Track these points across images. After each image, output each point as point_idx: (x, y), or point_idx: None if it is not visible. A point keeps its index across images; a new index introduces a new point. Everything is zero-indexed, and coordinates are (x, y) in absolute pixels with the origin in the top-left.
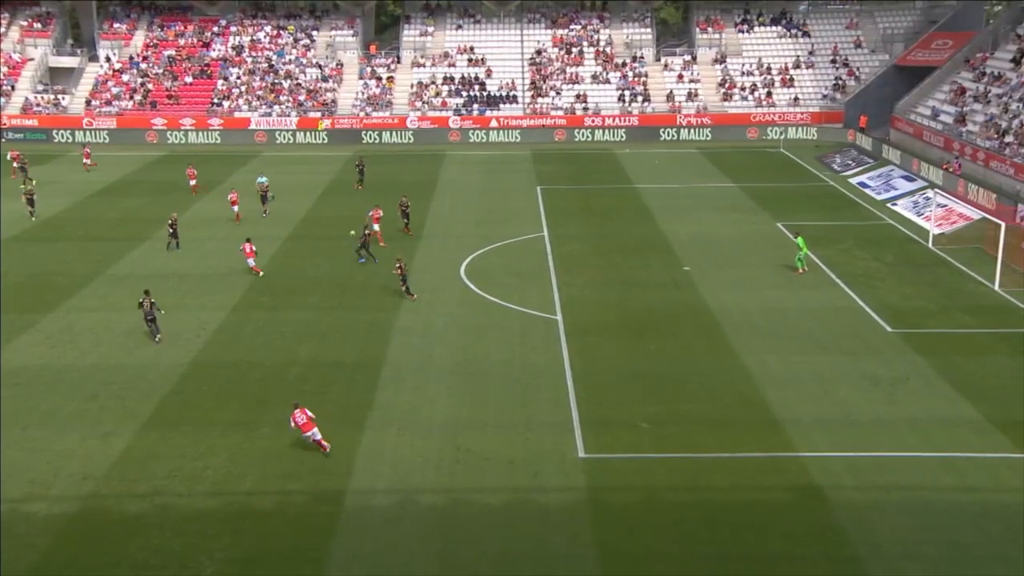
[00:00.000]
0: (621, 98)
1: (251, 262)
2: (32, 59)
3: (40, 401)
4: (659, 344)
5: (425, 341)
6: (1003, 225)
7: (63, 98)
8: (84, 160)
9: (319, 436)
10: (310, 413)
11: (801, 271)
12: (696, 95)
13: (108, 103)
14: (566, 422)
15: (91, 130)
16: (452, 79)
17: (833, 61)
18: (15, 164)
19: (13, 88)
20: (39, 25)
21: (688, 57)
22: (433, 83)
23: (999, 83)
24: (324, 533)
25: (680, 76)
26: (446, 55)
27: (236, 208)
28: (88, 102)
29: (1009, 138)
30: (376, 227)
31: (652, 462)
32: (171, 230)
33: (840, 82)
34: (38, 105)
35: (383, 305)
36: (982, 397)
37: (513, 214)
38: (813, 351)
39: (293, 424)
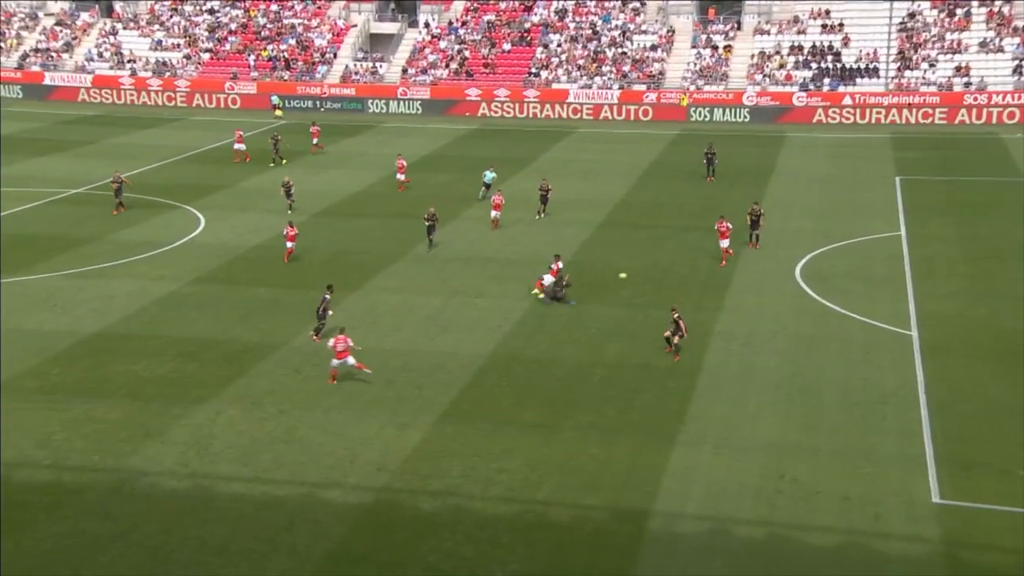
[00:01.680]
0: (1018, 70)
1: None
2: (355, 25)
3: (341, 384)
4: None
5: (749, 349)
6: None
7: (381, 66)
8: (313, 140)
9: (354, 361)
10: (351, 342)
11: None
12: None
13: (423, 71)
14: (917, 458)
15: (405, 100)
16: (801, 48)
17: None
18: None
19: (335, 56)
20: None
21: None
22: (778, 53)
23: None
24: (624, 556)
25: None
26: (796, 20)
27: (495, 215)
28: (404, 70)
29: None
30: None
31: None
32: (429, 224)
33: None
34: (357, 74)
35: (703, 305)
36: None
37: (863, 208)
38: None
39: (331, 346)
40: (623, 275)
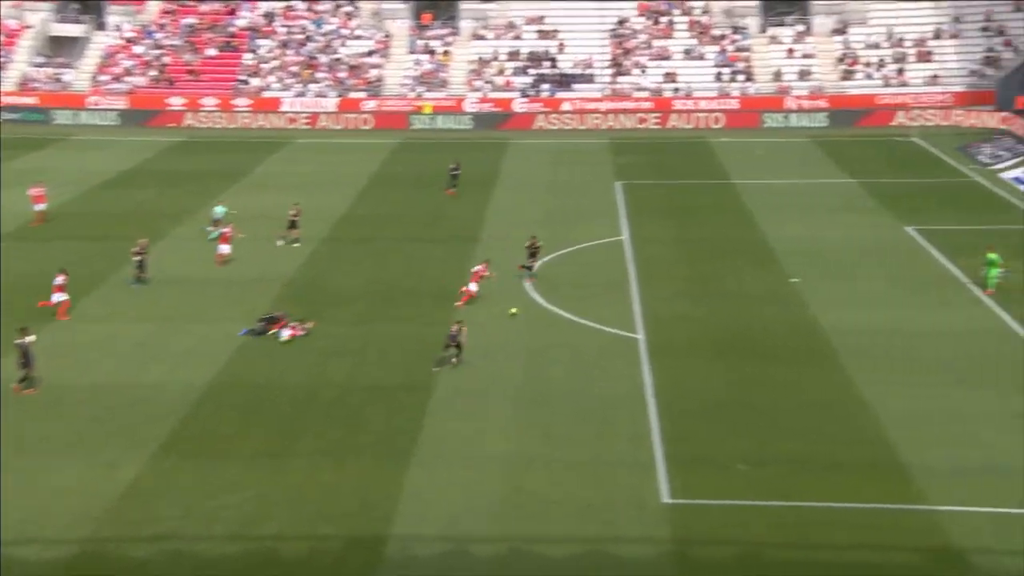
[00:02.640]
0: (719, 77)
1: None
2: (31, 26)
3: (37, 425)
4: (760, 369)
5: (483, 361)
6: None
7: (65, 73)
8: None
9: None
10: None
11: (991, 290)
12: (809, 73)
13: (118, 79)
14: (647, 461)
15: (98, 110)
16: (518, 54)
17: (984, 29)
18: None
19: (8, 60)
20: None
21: (801, 28)
22: (496, 59)
23: None
24: None
25: (790, 51)
26: (512, 26)
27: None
28: (95, 78)
29: None
30: (473, 286)
31: (750, 511)
32: (138, 259)
33: (993, 54)
34: (37, 80)
35: (433, 318)
36: None
37: (587, 214)
38: (950, 383)
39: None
40: (514, 311)
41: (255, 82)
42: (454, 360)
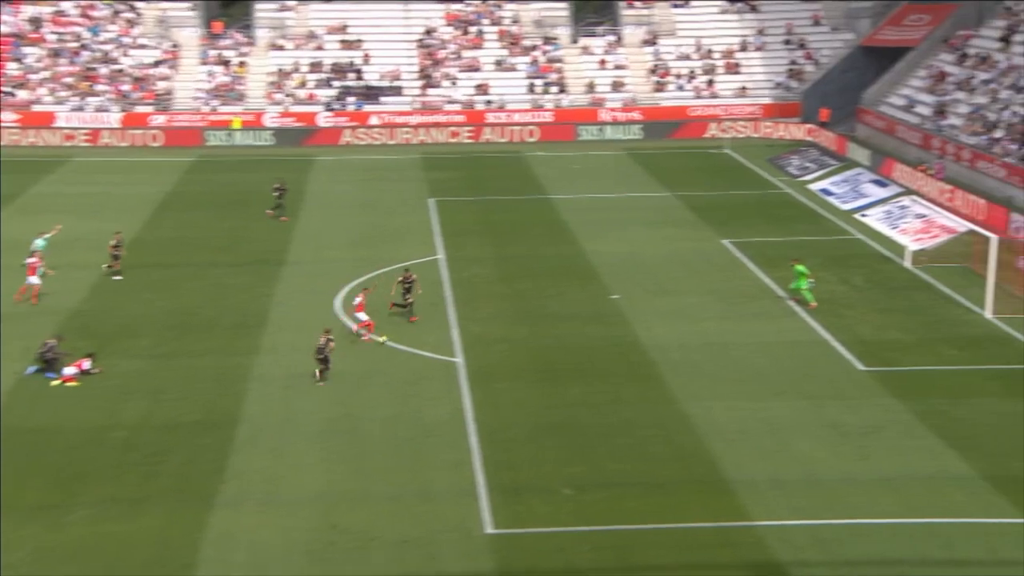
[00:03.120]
0: (531, 88)
1: None
2: None
3: None
4: (581, 390)
5: (291, 393)
6: (994, 239)
7: None
8: None
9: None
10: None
11: (814, 303)
12: (622, 85)
13: None
14: (469, 490)
15: None
16: (321, 65)
17: (787, 42)
18: None
19: None
20: None
21: (612, 38)
22: (297, 70)
23: (985, 67)
24: None
25: (602, 61)
26: (312, 35)
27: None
28: None
29: (999, 133)
30: (362, 316)
31: (575, 537)
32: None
33: (796, 67)
34: None
35: (236, 348)
36: (973, 448)
37: (399, 233)
38: (768, 396)
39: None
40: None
41: (22, 94)
42: (317, 374)
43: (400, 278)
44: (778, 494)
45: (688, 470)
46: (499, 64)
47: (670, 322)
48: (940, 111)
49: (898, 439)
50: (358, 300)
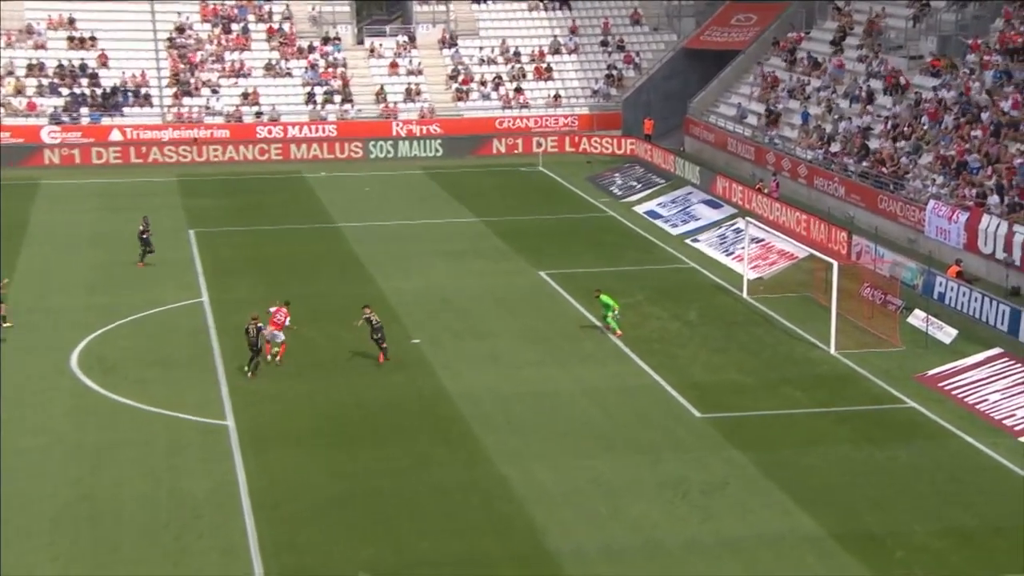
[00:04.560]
0: (310, 98)
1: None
2: None
3: None
4: (378, 453)
5: (14, 473)
6: (834, 264)
7: None
8: None
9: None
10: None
11: (620, 331)
12: (418, 93)
13: None
14: None
15: None
16: (43, 68)
17: (604, 43)
18: None
19: None
20: None
21: (403, 38)
22: (12, 74)
23: (818, 72)
24: None
25: (394, 65)
26: (29, 30)
27: None
28: None
29: (836, 147)
30: (277, 336)
31: None
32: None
33: (615, 72)
34: None
35: None
36: (823, 504)
37: (151, 272)
38: (597, 451)
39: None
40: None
41: None
42: (248, 367)
43: (364, 318)
44: (612, 565)
45: (507, 543)
46: (270, 68)
47: (482, 369)
48: (774, 120)
49: (742, 496)
50: (274, 309)
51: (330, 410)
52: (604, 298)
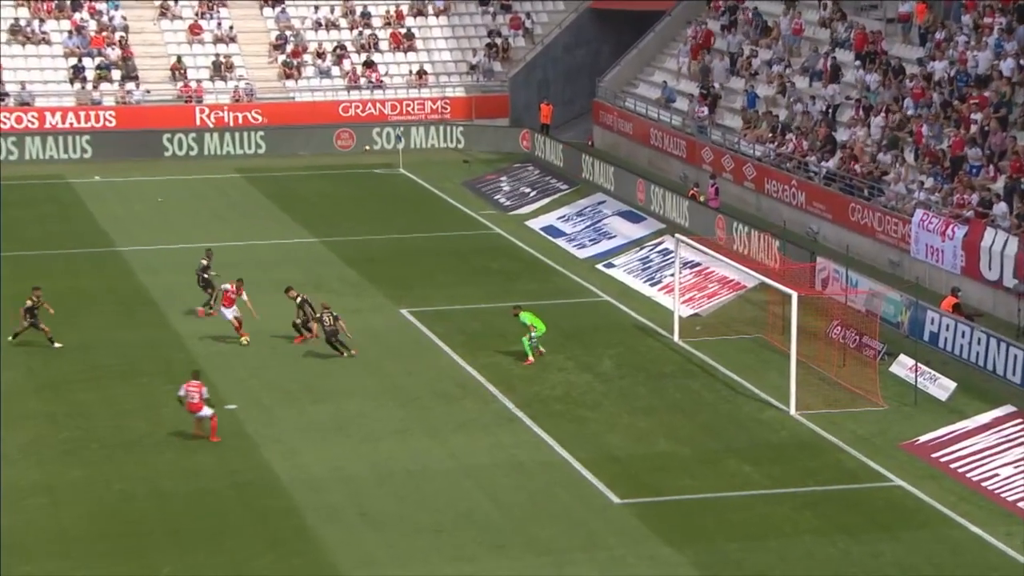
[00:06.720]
0: (76, 74)
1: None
2: None
3: None
4: (186, 563)
5: None
6: (793, 296)
7: None
8: None
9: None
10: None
11: (531, 359)
12: (231, 67)
13: None
14: None
15: None
16: None
17: (483, 2)
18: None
19: None
20: None
21: None
22: None
23: (769, 39)
24: None
25: (196, 29)
26: None
27: None
28: None
29: (792, 139)
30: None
31: None
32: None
33: (499, 41)
34: None
35: None
36: None
37: None
38: (481, 551)
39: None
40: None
41: None
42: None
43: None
44: None
45: None
46: (16, 33)
47: (325, 443)
48: (711, 105)
49: None
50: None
51: (114, 506)
52: (526, 317)
